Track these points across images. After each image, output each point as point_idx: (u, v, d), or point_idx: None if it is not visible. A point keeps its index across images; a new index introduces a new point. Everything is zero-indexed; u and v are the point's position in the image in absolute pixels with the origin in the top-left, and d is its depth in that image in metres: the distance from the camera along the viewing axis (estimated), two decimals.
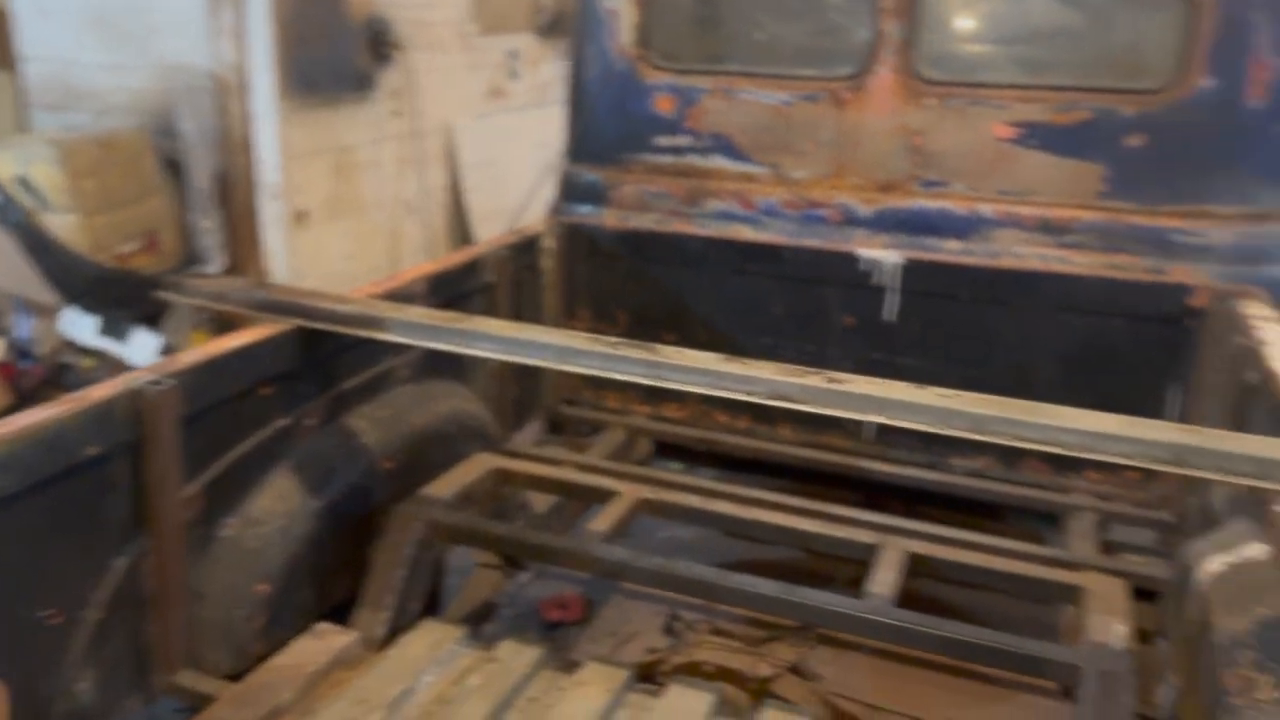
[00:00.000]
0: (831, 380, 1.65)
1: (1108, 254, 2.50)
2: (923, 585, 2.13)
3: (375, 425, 2.11)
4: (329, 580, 1.95)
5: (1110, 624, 1.67)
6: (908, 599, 1.85)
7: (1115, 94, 2.48)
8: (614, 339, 1.74)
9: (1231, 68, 2.37)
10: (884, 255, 2.69)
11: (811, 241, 2.78)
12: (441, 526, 1.96)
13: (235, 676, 1.71)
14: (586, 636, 2.73)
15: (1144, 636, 2.25)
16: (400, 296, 2.12)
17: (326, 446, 1.99)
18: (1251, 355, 1.95)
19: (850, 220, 2.79)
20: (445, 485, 2.07)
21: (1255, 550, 1.70)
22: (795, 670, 2.10)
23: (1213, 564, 1.73)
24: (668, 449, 3.26)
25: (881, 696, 2.38)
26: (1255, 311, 2.14)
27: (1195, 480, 2.38)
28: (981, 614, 2.55)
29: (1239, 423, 1.97)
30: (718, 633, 2.38)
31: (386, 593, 1.86)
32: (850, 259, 2.71)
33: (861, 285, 2.72)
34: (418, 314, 1.87)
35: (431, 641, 1.77)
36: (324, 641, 1.75)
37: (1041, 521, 3.03)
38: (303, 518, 1.87)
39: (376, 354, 2.15)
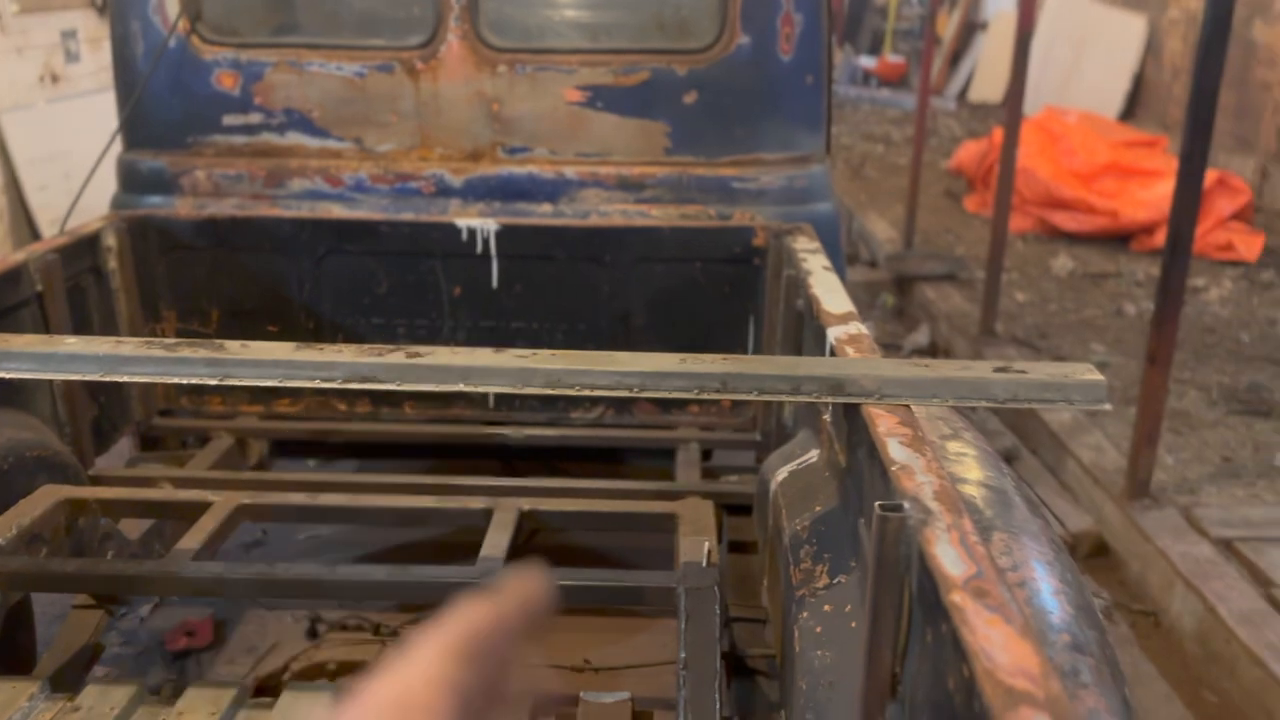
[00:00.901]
0: (411, 355, 1.63)
1: (680, 205, 2.68)
2: (546, 540, 2.19)
3: None
4: None
5: (698, 544, 1.81)
6: (529, 556, 1.89)
7: (669, 54, 2.65)
8: (170, 340, 1.61)
9: (763, 25, 2.61)
10: (480, 223, 2.71)
11: (407, 215, 2.74)
12: (0, 574, 1.73)
13: None
14: (222, 659, 2.56)
15: (747, 548, 2.48)
16: None
17: None
18: (800, 284, 2.18)
19: (443, 191, 2.78)
20: (2, 526, 1.83)
21: (812, 456, 1.91)
22: None
23: (781, 473, 1.93)
24: (288, 449, 3.10)
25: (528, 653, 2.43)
26: (803, 245, 2.39)
27: (771, 405, 2.63)
28: (613, 559, 2.69)
29: (795, 346, 2.20)
30: (350, 628, 2.32)
31: None
32: (450, 229, 2.70)
33: (464, 255, 2.73)
34: None
35: (2, 701, 1.56)
36: None
37: (660, 459, 3.24)
38: None
39: None
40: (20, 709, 1.56)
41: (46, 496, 1.96)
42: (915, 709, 1.19)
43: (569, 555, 1.83)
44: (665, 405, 2.87)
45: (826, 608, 1.54)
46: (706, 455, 2.83)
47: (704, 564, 1.76)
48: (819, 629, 1.53)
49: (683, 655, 1.65)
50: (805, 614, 1.56)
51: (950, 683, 1.04)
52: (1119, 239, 6.87)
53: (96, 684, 1.63)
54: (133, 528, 2.38)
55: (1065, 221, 6.95)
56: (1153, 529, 3.40)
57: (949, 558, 1.11)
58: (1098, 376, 1.55)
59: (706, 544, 1.80)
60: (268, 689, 1.76)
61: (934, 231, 7.22)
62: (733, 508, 2.43)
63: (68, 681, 1.95)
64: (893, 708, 1.26)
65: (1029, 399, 1.52)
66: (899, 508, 1.21)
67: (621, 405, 2.89)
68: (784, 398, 1.53)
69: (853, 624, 1.49)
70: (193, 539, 1.86)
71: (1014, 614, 1.02)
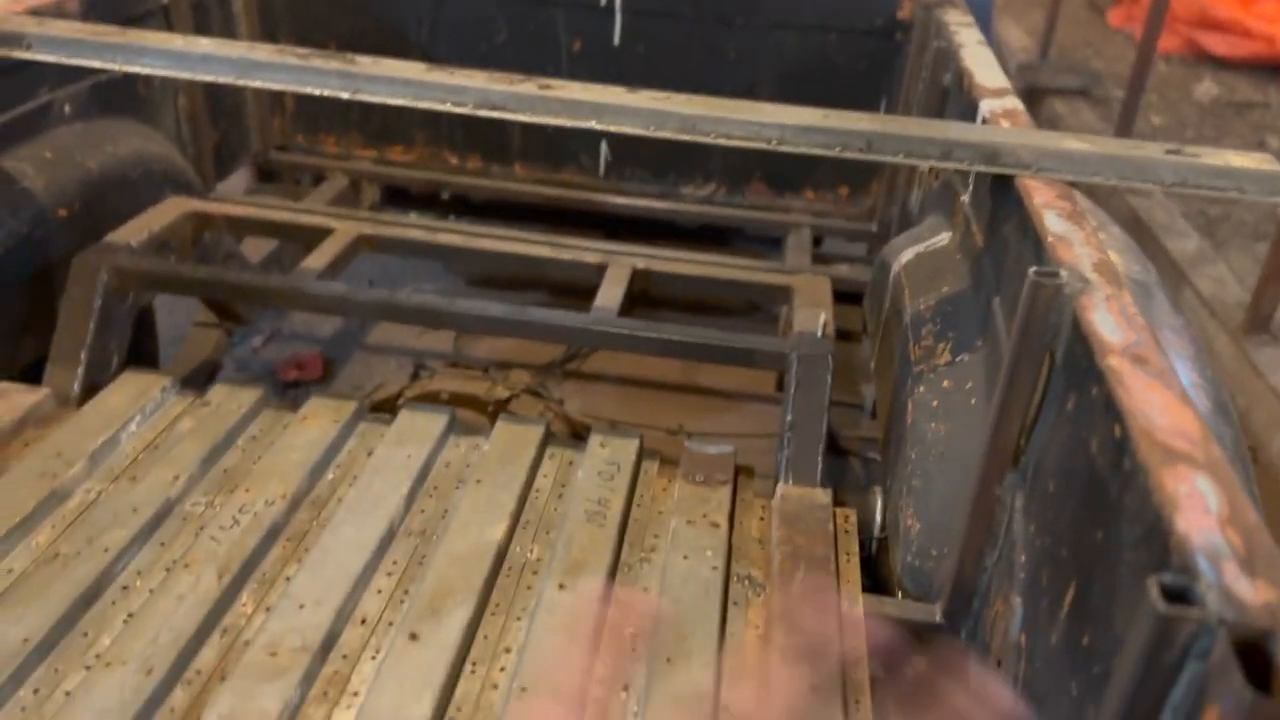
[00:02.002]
0: (544, 86, 1.57)
1: None
2: (657, 299, 2.18)
3: (40, 168, 1.85)
4: (11, 342, 1.75)
5: (815, 315, 1.78)
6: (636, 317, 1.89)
7: None
8: (303, 49, 1.57)
9: None
10: None
11: None
12: (131, 274, 1.78)
13: None
14: (328, 395, 2.66)
15: (851, 337, 2.45)
16: (48, 14, 1.82)
17: None
18: (949, 57, 2.04)
19: None
20: (133, 230, 1.87)
21: (942, 239, 1.84)
22: (532, 393, 2.14)
23: (907, 255, 1.87)
24: (397, 197, 3.11)
25: (620, 412, 2.49)
26: (955, 19, 2.22)
27: (895, 190, 2.53)
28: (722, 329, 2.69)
29: None
30: (459, 367, 2.37)
31: (77, 347, 1.69)
32: None
33: (588, 6, 2.61)
34: (64, 27, 1.60)
35: (134, 392, 1.64)
36: (8, 400, 1.58)
37: (765, 246, 3.18)
38: None
39: (28, 85, 1.86)
40: (153, 398, 1.64)
41: (174, 207, 2.00)
42: (1039, 475, 1.17)
43: (679, 319, 1.82)
44: (779, 187, 2.78)
45: (945, 383, 1.51)
46: (817, 243, 2.77)
47: (819, 334, 1.73)
48: (935, 403, 1.51)
49: (789, 419, 1.65)
50: (922, 389, 1.54)
51: (1093, 446, 1.01)
52: (1272, 68, 6.34)
53: (225, 383, 1.70)
54: (253, 253, 2.43)
55: (1216, 44, 6.41)
56: (1266, 365, 3.27)
57: (1107, 325, 1.06)
58: (1276, 168, 1.43)
59: (823, 316, 1.77)
60: (379, 410, 1.81)
61: (1072, 44, 6.74)
62: (838, 296, 2.39)
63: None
64: (1012, 475, 1.24)
65: (1199, 184, 1.42)
66: (1055, 274, 1.15)
67: (734, 184, 2.82)
68: (932, 162, 1.45)
69: (972, 400, 1.47)
70: (316, 259, 1.89)
71: (1173, 381, 0.98)
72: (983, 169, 1.46)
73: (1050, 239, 1.25)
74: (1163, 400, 0.94)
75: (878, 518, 1.73)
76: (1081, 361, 1.07)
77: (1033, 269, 1.14)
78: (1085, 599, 0.98)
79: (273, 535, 1.40)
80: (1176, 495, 0.82)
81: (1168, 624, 0.73)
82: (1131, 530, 0.89)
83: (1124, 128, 4.93)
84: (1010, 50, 6.65)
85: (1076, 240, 1.25)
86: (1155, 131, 5.39)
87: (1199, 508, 0.81)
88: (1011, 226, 1.44)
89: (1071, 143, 1.45)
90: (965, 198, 1.78)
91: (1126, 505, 0.90)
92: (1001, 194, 1.52)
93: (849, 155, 1.46)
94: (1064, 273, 1.16)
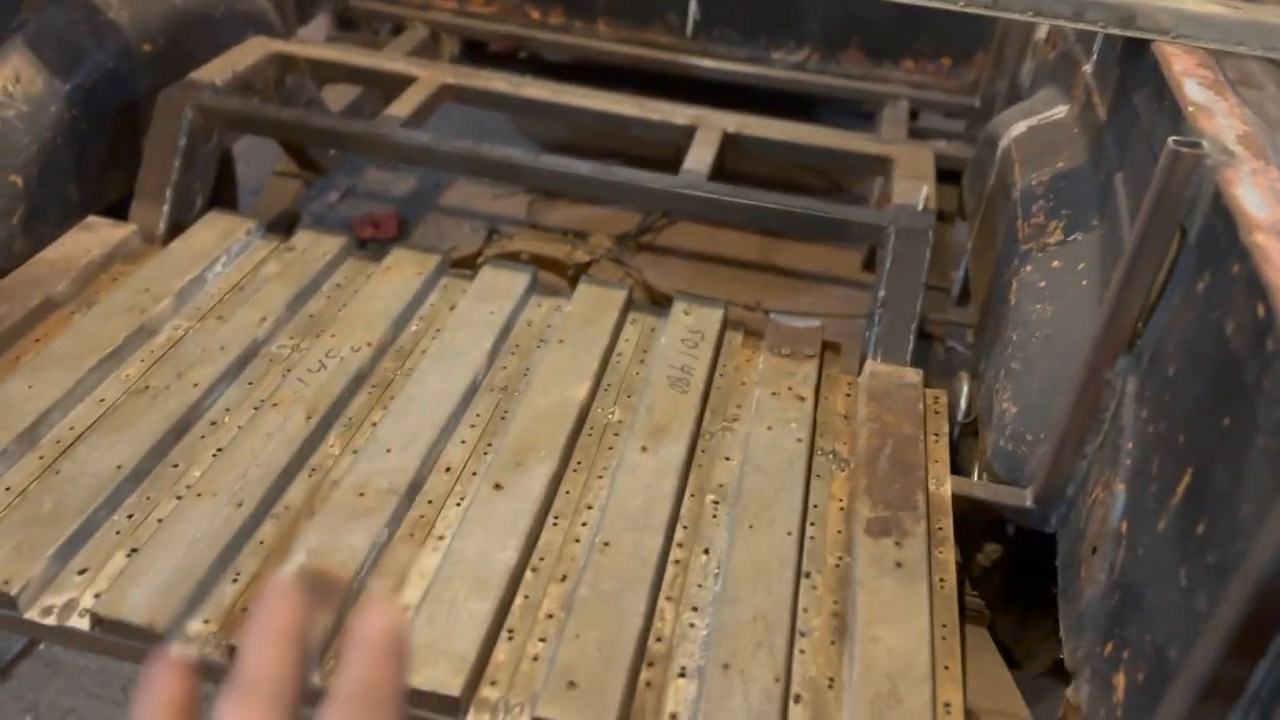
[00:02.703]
0: None
1: None
2: (747, 167, 2.10)
3: (125, 3, 1.81)
4: (97, 176, 1.74)
5: (915, 188, 1.70)
6: (731, 179, 1.81)
7: None
8: None
9: None
10: None
11: None
12: (216, 112, 1.75)
13: None
14: None
15: (943, 217, 2.35)
16: None
17: (65, 23, 1.70)
18: None
19: None
20: (217, 69, 1.83)
21: (1058, 111, 1.73)
22: (613, 259, 2.10)
23: (1018, 128, 1.76)
24: (477, 52, 3.03)
25: (695, 287, 2.45)
26: None
27: (1004, 61, 2.39)
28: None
29: None
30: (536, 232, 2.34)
31: (162, 185, 1.68)
32: None
33: None
34: None
35: (220, 232, 1.64)
36: (97, 234, 1.59)
37: (857, 119, 3.05)
38: (49, 101, 1.62)
39: None
40: (238, 240, 1.63)
41: (258, 48, 1.95)
42: (1157, 359, 1.11)
43: (770, 187, 1.75)
44: (877, 56, 2.64)
45: (1055, 263, 1.44)
46: (913, 118, 2.64)
47: (920, 208, 1.65)
48: (1043, 283, 1.43)
49: (882, 295, 1.59)
50: (1029, 268, 1.47)
51: (1229, 328, 0.94)
52: None
53: (309, 230, 1.68)
54: (335, 101, 2.39)
55: None
56: None
57: (1253, 199, 0.98)
58: None
59: (925, 189, 1.68)
60: (461, 265, 1.79)
61: None
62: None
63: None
64: (1125, 359, 1.18)
65: None
66: (1196, 144, 1.06)
67: (829, 50, 2.68)
68: (1064, 22, 1.34)
69: (1084, 282, 1.39)
70: (400, 108, 1.84)
71: None
72: (1119, 32, 1.34)
73: (1190, 108, 1.16)
74: None
75: (963, 404, 1.68)
76: (1221, 238, 0.99)
77: (1171, 138, 1.06)
78: (1204, 487, 0.93)
79: (359, 381, 1.40)
80: None
81: None
82: (1270, 414, 0.83)
83: None
84: None
85: (1219, 111, 1.15)
86: None
87: None
88: (1143, 96, 1.34)
89: (1214, 7, 1.33)
90: (1088, 67, 1.66)
91: (1266, 388, 0.84)
92: (1133, 61, 1.41)
93: (973, 9, 1.36)
94: (1205, 144, 1.07)
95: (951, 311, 2.24)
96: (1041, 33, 2.16)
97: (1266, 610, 0.72)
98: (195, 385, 1.33)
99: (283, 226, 2.36)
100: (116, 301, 1.45)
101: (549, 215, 2.93)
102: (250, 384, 1.37)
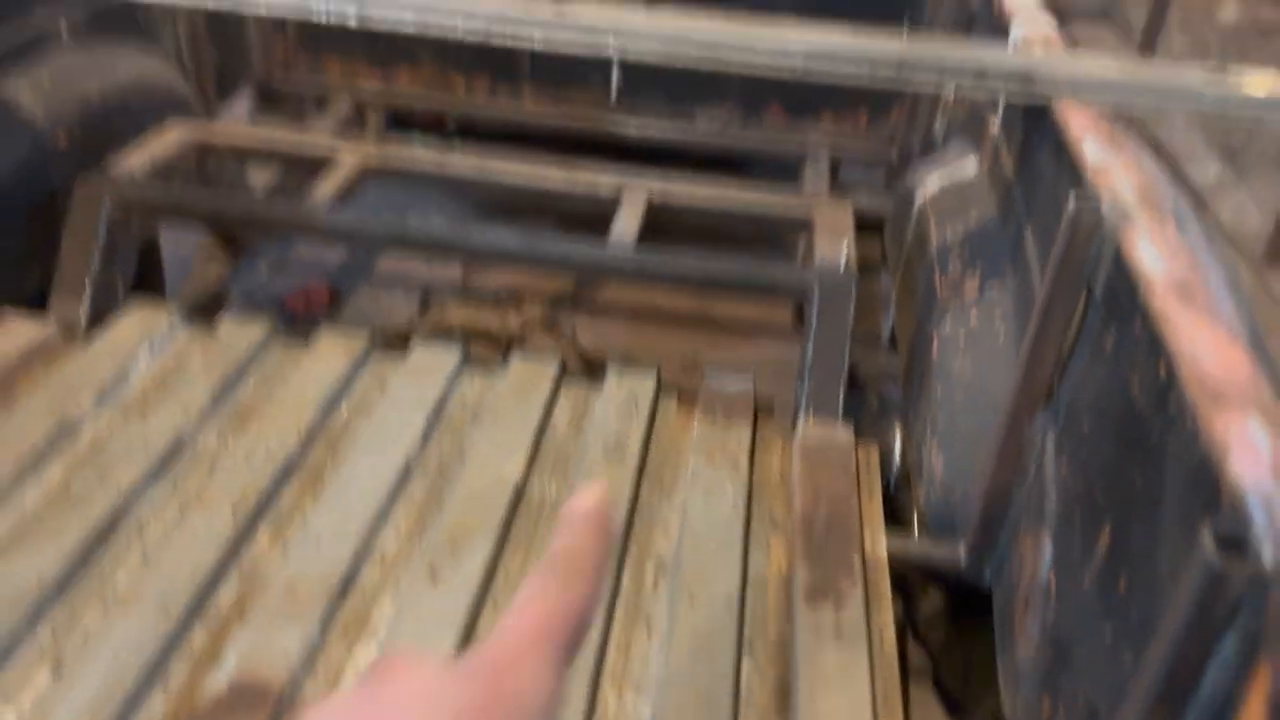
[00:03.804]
0: (560, 10, 1.51)
1: None
2: (672, 230, 2.13)
3: (38, 95, 1.79)
4: (14, 271, 1.71)
5: (837, 244, 1.73)
6: (657, 242, 1.84)
7: None
8: None
9: None
10: None
11: None
12: (135, 202, 1.73)
13: None
14: (337, 327, 2.63)
15: (868, 266, 2.40)
16: None
17: None
18: None
19: None
20: (136, 157, 1.82)
21: (969, 166, 1.79)
22: (545, 327, 2.10)
23: (931, 184, 1.81)
24: (403, 122, 3.04)
25: (632, 343, 2.46)
26: None
27: (917, 116, 2.46)
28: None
29: None
30: (469, 298, 2.34)
31: (81, 277, 1.65)
32: None
33: None
34: None
35: (142, 323, 1.61)
36: (14, 331, 1.55)
37: (781, 176, 3.11)
38: None
39: (23, 8, 1.80)
40: (161, 331, 1.61)
41: (176, 132, 1.94)
42: (1072, 414, 1.14)
43: (702, 238, 1.77)
44: (797, 113, 2.70)
45: (973, 317, 1.48)
46: (834, 172, 2.70)
47: (841, 264, 1.69)
48: (962, 337, 1.47)
49: (810, 352, 1.61)
50: (948, 322, 1.50)
51: (1134, 386, 0.98)
52: None
53: (234, 316, 1.66)
54: (257, 182, 2.38)
55: None
56: None
57: (1151, 258, 1.02)
58: None
59: (845, 243, 1.72)
60: (391, 344, 1.78)
61: None
62: (856, 225, 2.33)
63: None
64: (1043, 414, 1.21)
65: (1243, 111, 1.36)
66: (1096, 202, 1.10)
67: (750, 109, 2.74)
68: (967, 86, 1.39)
69: (1001, 336, 1.43)
70: (321, 189, 1.84)
71: (1221, 319, 0.94)
72: (1018, 97, 1.40)
73: (1090, 168, 1.21)
74: (1211, 339, 0.90)
75: (897, 453, 1.71)
76: (1123, 296, 1.03)
77: (1073, 194, 1.10)
78: (1123, 542, 0.95)
79: (288, 472, 1.38)
80: (1227, 440, 0.79)
81: (1220, 575, 0.70)
82: (1176, 475, 0.86)
83: (1145, 50, 4.80)
84: None
85: (1117, 168, 1.20)
86: (1176, 58, 5.25)
87: (1252, 453, 0.78)
88: (1046, 154, 1.39)
89: (1110, 69, 1.39)
90: (995, 124, 1.72)
91: (1170, 448, 0.87)
92: (1035, 120, 1.47)
93: (880, 82, 1.40)
94: (1104, 205, 1.11)
95: (882, 358, 2.28)
96: (951, 90, 2.23)
97: (1183, 672, 0.74)
98: (119, 487, 1.30)
99: (212, 308, 2.34)
100: (36, 402, 1.42)
101: (484, 279, 2.93)
102: (175, 482, 1.35)
